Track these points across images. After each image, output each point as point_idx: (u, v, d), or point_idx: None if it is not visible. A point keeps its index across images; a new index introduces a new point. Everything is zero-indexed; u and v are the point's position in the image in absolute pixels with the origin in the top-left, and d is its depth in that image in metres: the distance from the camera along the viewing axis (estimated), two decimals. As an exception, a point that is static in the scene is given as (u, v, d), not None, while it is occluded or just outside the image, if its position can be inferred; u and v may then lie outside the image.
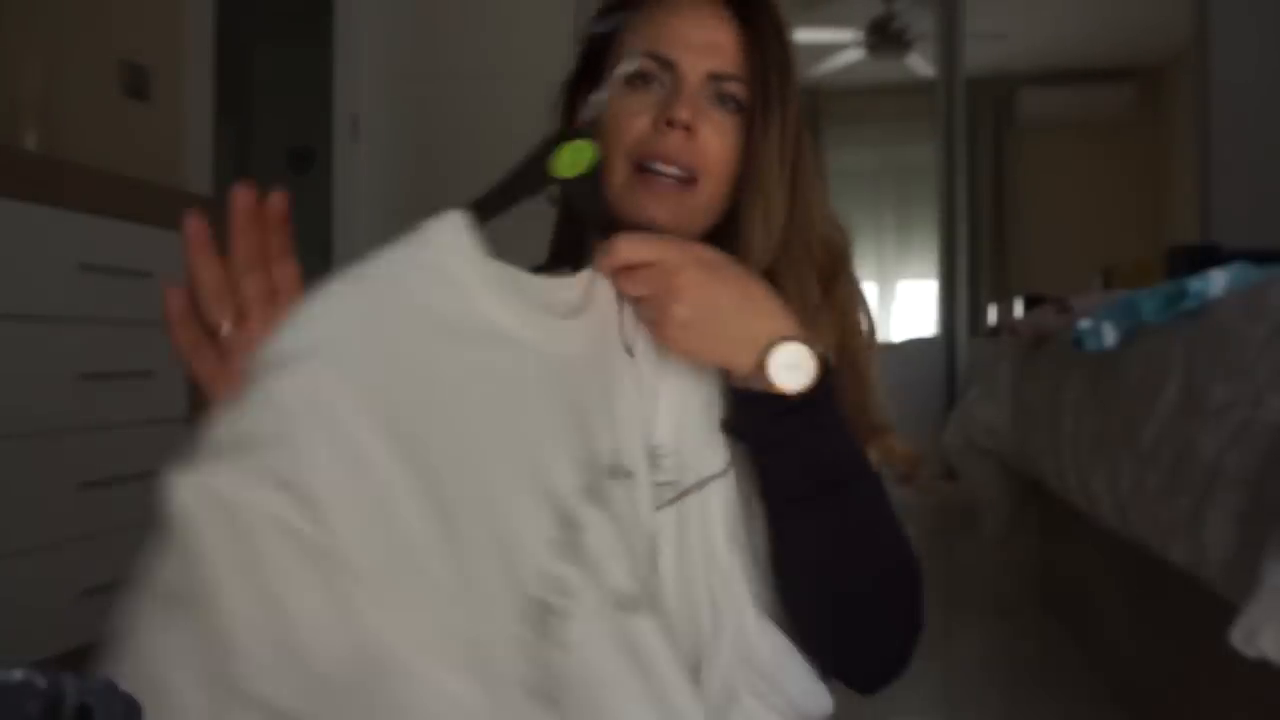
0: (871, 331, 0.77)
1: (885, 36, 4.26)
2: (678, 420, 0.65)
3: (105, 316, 1.76)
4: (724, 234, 0.75)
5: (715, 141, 0.73)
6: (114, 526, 1.70)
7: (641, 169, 0.72)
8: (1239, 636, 0.95)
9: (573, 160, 0.66)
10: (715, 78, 0.73)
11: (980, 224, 4.52)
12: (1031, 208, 4.71)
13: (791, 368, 0.64)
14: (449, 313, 0.52)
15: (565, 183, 0.66)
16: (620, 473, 0.58)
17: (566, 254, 0.80)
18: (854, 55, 4.28)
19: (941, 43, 3.97)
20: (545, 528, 0.52)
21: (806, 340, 0.65)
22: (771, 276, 0.71)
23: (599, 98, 0.69)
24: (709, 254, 0.67)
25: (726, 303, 0.65)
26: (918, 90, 4.14)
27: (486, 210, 0.60)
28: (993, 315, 4.41)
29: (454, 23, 3.15)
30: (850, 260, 0.78)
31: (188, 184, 2.44)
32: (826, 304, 0.74)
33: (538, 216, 0.80)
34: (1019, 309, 3.56)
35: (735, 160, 0.74)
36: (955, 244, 3.96)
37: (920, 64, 4.21)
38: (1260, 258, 1.58)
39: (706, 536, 0.63)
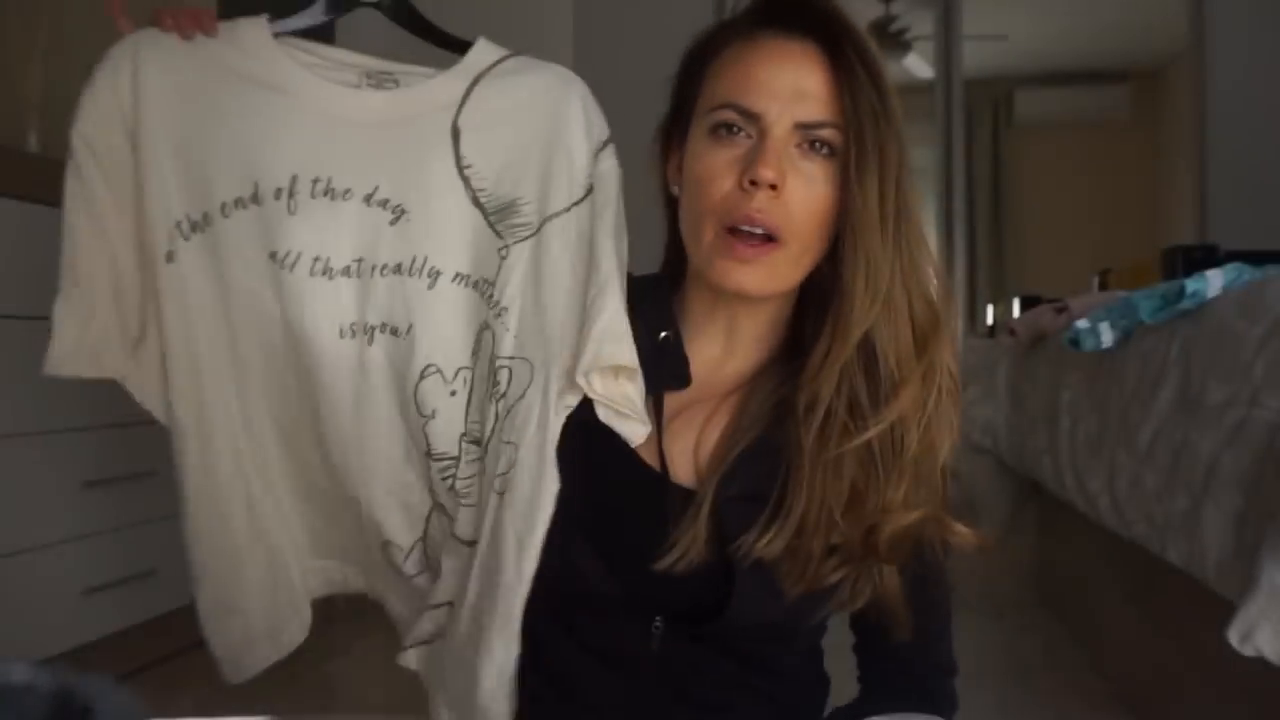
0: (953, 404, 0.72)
1: (884, 38, 4.26)
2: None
3: (105, 317, 1.76)
4: (827, 281, 0.72)
5: (803, 195, 0.69)
6: (114, 526, 1.70)
7: (728, 229, 0.70)
8: (1236, 635, 0.95)
9: None
10: (803, 127, 0.69)
11: (978, 225, 4.52)
12: (1029, 208, 4.71)
13: None
14: (237, 67, 0.75)
15: (375, 5, 0.81)
16: (332, 193, 0.76)
17: (675, 263, 0.81)
18: (852, 56, 4.27)
19: (940, 44, 3.97)
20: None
21: None
22: (871, 334, 0.69)
23: None
24: None
25: None
26: (916, 91, 4.14)
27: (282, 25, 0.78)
28: (990, 315, 4.41)
29: (455, 23, 3.16)
30: (945, 323, 0.72)
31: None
32: (919, 366, 0.70)
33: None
34: (1016, 309, 3.57)
35: (829, 208, 0.70)
36: (953, 244, 3.97)
37: (919, 65, 4.22)
38: (1257, 258, 1.58)
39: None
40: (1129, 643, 1.71)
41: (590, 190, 0.76)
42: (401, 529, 0.80)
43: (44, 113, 1.99)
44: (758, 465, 0.72)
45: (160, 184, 0.74)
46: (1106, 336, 1.53)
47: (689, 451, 0.77)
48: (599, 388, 0.72)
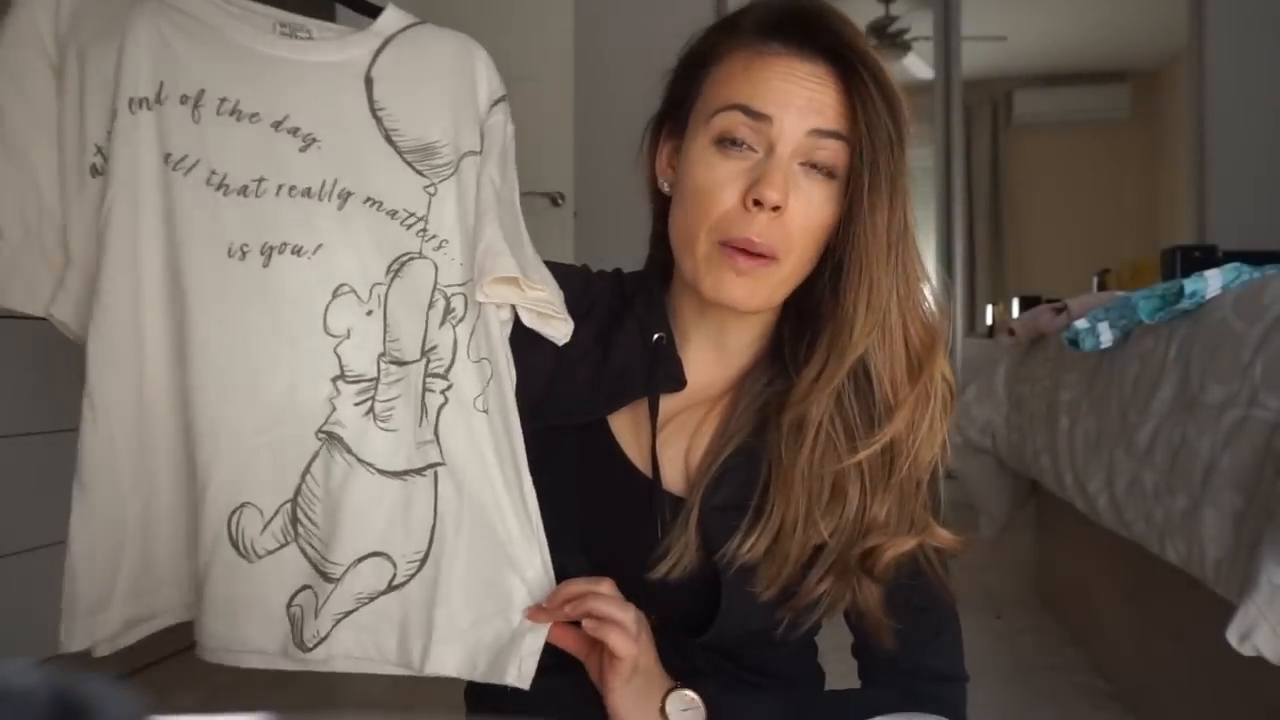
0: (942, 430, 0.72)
1: (883, 39, 4.26)
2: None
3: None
4: (812, 298, 0.71)
5: (803, 216, 0.68)
6: (114, 526, 1.70)
7: (723, 245, 0.68)
8: (1234, 635, 0.95)
9: None
10: (817, 134, 0.67)
11: (977, 225, 4.53)
12: (1028, 208, 4.72)
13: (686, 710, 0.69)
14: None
15: None
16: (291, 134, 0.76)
17: (663, 261, 0.80)
18: (852, 56, 4.27)
19: (939, 45, 3.98)
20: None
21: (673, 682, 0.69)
22: (865, 356, 0.69)
23: None
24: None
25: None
26: (916, 92, 4.15)
27: None
28: (990, 315, 4.42)
29: (454, 23, 3.15)
30: (942, 349, 0.71)
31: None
32: (914, 390, 0.69)
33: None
34: (1016, 309, 3.57)
35: (824, 230, 0.69)
36: (952, 245, 3.97)
37: (919, 66, 4.22)
38: (1256, 258, 1.59)
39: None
40: (1129, 643, 1.72)
41: (483, 139, 0.80)
42: (266, 486, 0.72)
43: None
44: (742, 472, 0.73)
45: (85, 98, 0.73)
46: (1105, 336, 1.53)
47: (680, 458, 0.76)
48: (513, 297, 0.76)
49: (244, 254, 0.73)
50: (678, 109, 0.75)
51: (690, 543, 0.71)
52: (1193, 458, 1.18)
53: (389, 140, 0.77)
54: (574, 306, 0.77)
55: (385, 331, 0.75)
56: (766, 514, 0.70)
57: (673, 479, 0.76)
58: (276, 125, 0.75)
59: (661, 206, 0.78)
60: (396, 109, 0.78)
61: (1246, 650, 0.95)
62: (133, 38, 0.73)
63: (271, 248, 0.74)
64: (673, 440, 0.77)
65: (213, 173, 0.73)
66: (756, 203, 0.66)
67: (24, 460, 1.60)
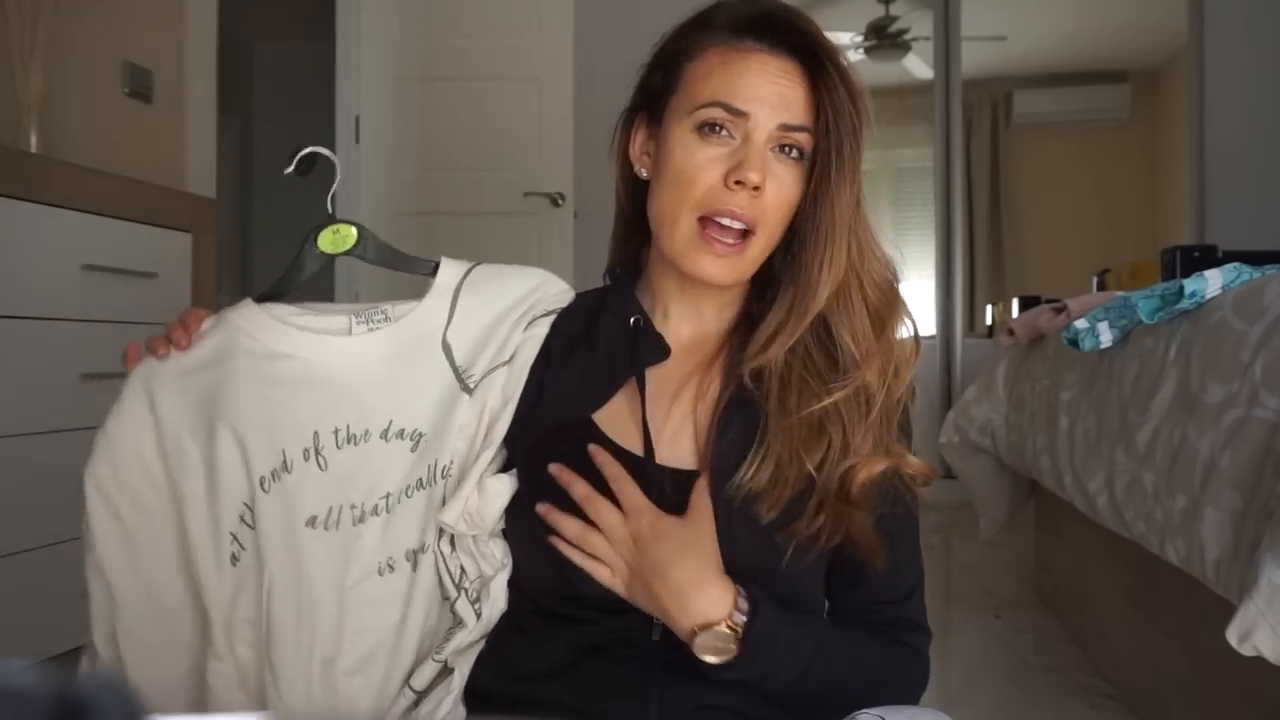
0: (910, 379, 0.80)
1: (883, 38, 4.26)
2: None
3: (106, 316, 1.76)
4: (772, 267, 0.80)
5: (776, 194, 0.77)
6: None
7: (705, 220, 0.76)
8: (1234, 635, 0.95)
9: (334, 240, 0.84)
10: (785, 128, 0.76)
11: (977, 225, 4.53)
12: (1028, 209, 4.71)
13: (713, 650, 0.69)
14: (238, 348, 0.80)
15: (346, 254, 0.85)
16: (352, 439, 0.80)
17: (627, 260, 0.88)
18: (852, 57, 4.27)
19: (939, 45, 3.98)
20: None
21: (729, 613, 0.70)
22: (825, 315, 0.77)
23: (307, 153, 0.86)
24: (670, 525, 0.72)
25: (671, 575, 0.71)
26: (916, 92, 4.15)
27: (278, 292, 0.84)
28: (990, 315, 4.41)
29: (455, 23, 3.16)
30: (902, 303, 0.80)
31: (190, 185, 2.45)
32: (879, 346, 0.77)
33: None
34: (1015, 309, 3.57)
35: (792, 206, 0.78)
36: (952, 245, 3.97)
37: (918, 66, 4.22)
38: (1256, 258, 1.58)
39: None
40: (1128, 643, 1.72)
41: (511, 358, 0.83)
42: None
43: (44, 113, 1.99)
44: (739, 418, 0.78)
45: (206, 497, 0.76)
46: (1105, 336, 1.53)
47: (689, 427, 0.80)
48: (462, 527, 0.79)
49: (391, 568, 0.78)
50: (655, 101, 0.81)
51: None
52: (1193, 458, 1.18)
53: (471, 394, 0.82)
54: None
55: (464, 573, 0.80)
56: (765, 447, 0.76)
57: (683, 452, 0.79)
58: (385, 434, 0.79)
59: (634, 193, 0.85)
60: (473, 364, 0.82)
61: (1246, 650, 0.95)
62: (247, 419, 0.76)
63: (414, 552, 0.78)
64: (683, 413, 0.80)
65: (352, 507, 0.77)
66: (739, 182, 0.75)
67: (24, 460, 1.60)
